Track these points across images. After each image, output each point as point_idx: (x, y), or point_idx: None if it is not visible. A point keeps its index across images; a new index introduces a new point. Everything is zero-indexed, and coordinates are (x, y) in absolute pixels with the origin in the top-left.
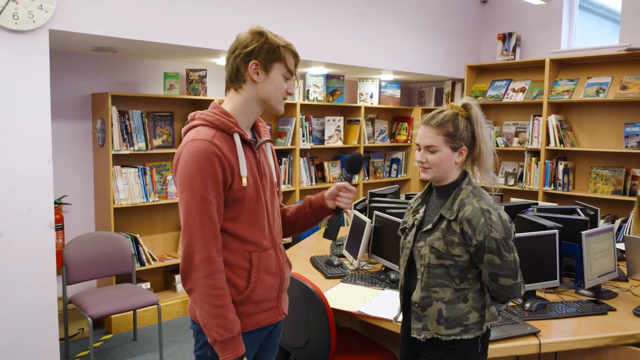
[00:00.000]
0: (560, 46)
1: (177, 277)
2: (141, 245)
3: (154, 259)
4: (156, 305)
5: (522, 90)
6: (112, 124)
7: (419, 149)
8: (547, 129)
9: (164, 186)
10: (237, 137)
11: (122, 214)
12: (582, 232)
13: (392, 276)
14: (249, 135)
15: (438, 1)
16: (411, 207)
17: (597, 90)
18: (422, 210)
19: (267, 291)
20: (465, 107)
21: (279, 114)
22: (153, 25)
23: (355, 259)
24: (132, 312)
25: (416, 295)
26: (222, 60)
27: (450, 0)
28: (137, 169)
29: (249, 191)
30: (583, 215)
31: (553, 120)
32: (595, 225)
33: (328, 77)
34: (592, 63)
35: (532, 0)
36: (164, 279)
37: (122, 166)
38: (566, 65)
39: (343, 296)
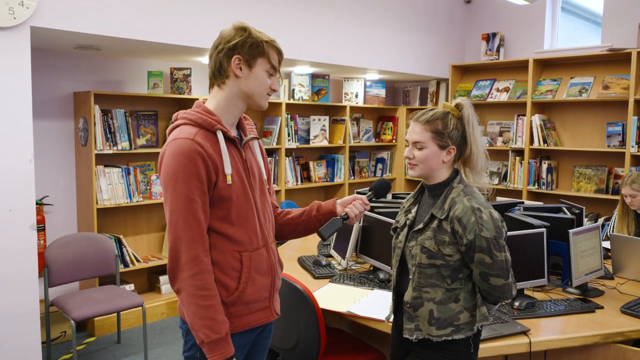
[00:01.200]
0: (544, 46)
1: (162, 279)
2: (125, 247)
3: (138, 260)
4: (140, 307)
5: (506, 90)
6: (94, 123)
7: (408, 145)
8: (531, 128)
9: (148, 186)
10: (220, 135)
11: (106, 215)
12: (570, 231)
13: (381, 276)
14: (233, 133)
15: (422, 1)
16: (403, 206)
17: (579, 90)
18: (414, 210)
19: (258, 291)
20: (457, 106)
21: (262, 110)
22: (137, 23)
23: (344, 259)
24: (115, 314)
25: (408, 295)
26: (207, 59)
27: (434, 1)
28: (120, 169)
29: (236, 189)
30: (569, 214)
31: (537, 119)
32: (580, 224)
33: (313, 77)
34: (575, 63)
35: (516, 1)
36: (148, 280)
37: (105, 166)
38: (549, 65)
39: (332, 296)
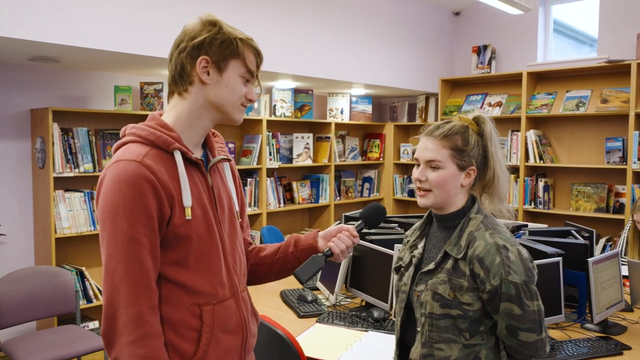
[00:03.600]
0: (537, 59)
1: None
2: (87, 280)
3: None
4: (103, 350)
5: (499, 104)
6: (53, 143)
7: (418, 165)
8: (526, 144)
9: None
10: (178, 156)
11: (66, 245)
12: (589, 260)
13: (376, 314)
14: (197, 154)
15: (410, 13)
16: (408, 240)
17: (577, 103)
18: (420, 245)
19: (224, 356)
20: (477, 120)
21: (236, 124)
22: (101, 31)
23: (332, 294)
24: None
25: (415, 353)
26: None
27: (422, 12)
28: (82, 194)
29: (197, 226)
30: (580, 238)
31: (532, 135)
32: (592, 249)
33: (296, 92)
34: (570, 76)
35: (509, 10)
36: None
37: (66, 190)
38: (543, 79)
39: (320, 341)
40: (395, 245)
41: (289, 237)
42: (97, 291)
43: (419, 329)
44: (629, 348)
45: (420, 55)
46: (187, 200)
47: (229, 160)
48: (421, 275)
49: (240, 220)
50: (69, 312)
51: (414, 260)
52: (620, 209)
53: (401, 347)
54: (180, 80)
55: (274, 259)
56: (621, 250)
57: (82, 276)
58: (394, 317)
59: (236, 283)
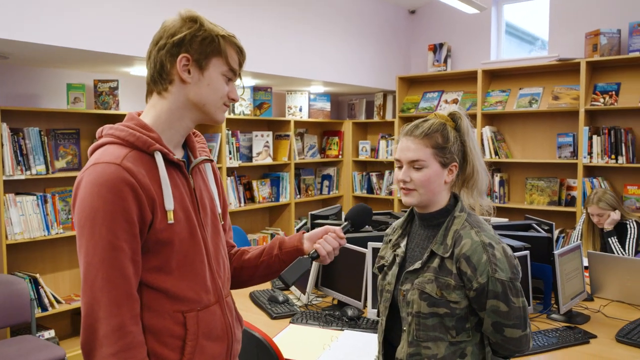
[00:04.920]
0: (490, 57)
1: None
2: (42, 287)
3: (58, 302)
4: None
5: (455, 101)
6: (2, 144)
7: (400, 167)
8: (482, 140)
9: (69, 215)
10: (159, 157)
11: (18, 251)
12: (555, 252)
13: (350, 312)
14: (178, 155)
15: (367, 11)
16: (390, 239)
17: (529, 100)
18: (403, 244)
19: None
20: (452, 116)
21: (218, 124)
22: (52, 26)
23: (304, 293)
24: None
25: (402, 352)
26: (136, 70)
27: (379, 10)
28: (35, 197)
29: (179, 230)
30: (542, 231)
31: (487, 131)
32: (553, 241)
33: (255, 89)
34: (523, 74)
35: (465, 9)
36: (71, 323)
37: (17, 194)
38: (497, 77)
39: (296, 341)
40: (369, 243)
41: (273, 239)
42: (52, 299)
43: (405, 328)
44: (594, 336)
45: (377, 53)
46: (169, 203)
47: (210, 160)
48: (407, 275)
49: (222, 222)
50: (24, 321)
51: (397, 259)
52: (572, 201)
53: (385, 347)
54: (160, 79)
55: (258, 262)
56: (576, 241)
57: (36, 283)
58: (377, 316)
59: (220, 288)
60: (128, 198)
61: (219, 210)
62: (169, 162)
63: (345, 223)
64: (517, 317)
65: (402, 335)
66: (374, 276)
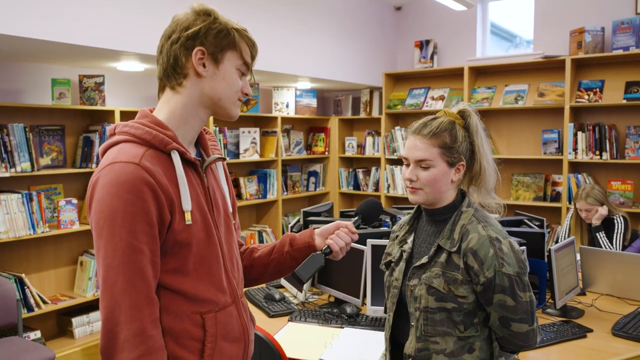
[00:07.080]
0: (476, 54)
1: (75, 321)
2: (28, 287)
3: (44, 302)
4: None
5: (442, 98)
6: None
7: (407, 164)
8: None
9: (55, 213)
10: (176, 157)
11: (3, 251)
12: (551, 248)
13: (349, 310)
14: (192, 153)
15: (353, 7)
16: (397, 235)
17: (515, 97)
18: (410, 240)
19: None
20: (462, 114)
21: (232, 121)
22: (36, 19)
23: (300, 291)
24: None
25: (410, 347)
26: (123, 65)
27: (365, 6)
28: (20, 195)
29: (196, 231)
30: (534, 227)
31: None
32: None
33: None
34: (509, 71)
35: (453, 6)
36: (57, 324)
37: (1, 192)
38: (483, 73)
39: (296, 340)
40: (368, 240)
41: (283, 236)
42: (38, 299)
43: (412, 323)
44: (591, 330)
45: (364, 49)
46: (187, 204)
47: (223, 159)
48: (414, 270)
49: (234, 221)
50: (10, 323)
51: (404, 255)
52: (557, 197)
53: (392, 343)
54: (174, 73)
55: (268, 260)
56: (564, 236)
57: (21, 284)
58: (385, 312)
59: (235, 288)
60: (148, 199)
61: (230, 209)
62: (185, 160)
63: (356, 218)
64: (524, 312)
65: (410, 331)
66: (374, 273)
